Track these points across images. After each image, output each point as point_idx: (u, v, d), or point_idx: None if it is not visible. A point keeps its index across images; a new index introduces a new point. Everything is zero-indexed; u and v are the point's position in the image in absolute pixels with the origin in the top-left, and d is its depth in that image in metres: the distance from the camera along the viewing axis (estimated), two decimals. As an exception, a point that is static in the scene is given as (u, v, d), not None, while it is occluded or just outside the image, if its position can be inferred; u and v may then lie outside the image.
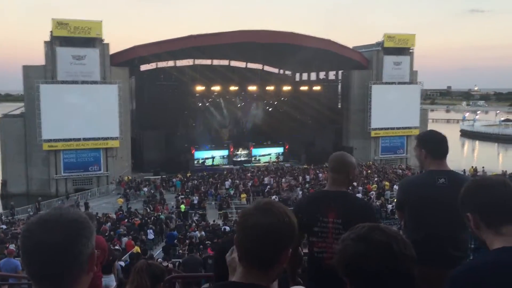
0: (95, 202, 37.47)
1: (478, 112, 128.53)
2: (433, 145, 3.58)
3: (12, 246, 14.90)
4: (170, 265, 12.11)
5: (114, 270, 8.79)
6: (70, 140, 41.18)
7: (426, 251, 3.30)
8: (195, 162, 47.28)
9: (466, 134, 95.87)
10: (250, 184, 38.06)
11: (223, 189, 36.70)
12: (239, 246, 1.68)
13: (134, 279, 3.68)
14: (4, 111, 46.57)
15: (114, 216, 28.74)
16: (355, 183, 36.72)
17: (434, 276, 3.02)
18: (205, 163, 47.93)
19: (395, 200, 3.87)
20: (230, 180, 39.19)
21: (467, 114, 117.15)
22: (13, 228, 25.69)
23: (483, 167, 43.01)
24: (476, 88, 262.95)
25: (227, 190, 36.55)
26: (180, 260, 15.20)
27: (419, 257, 3.43)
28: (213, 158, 48.92)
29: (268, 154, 51.58)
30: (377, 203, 29.93)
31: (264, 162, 50.10)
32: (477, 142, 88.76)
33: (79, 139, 41.49)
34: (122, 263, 11.69)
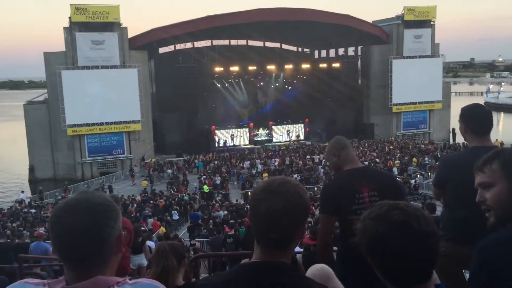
0: (120, 185, 38.10)
1: (503, 83, 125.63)
2: (473, 120, 3.44)
3: (42, 230, 15.34)
4: (198, 244, 12.33)
5: (145, 250, 9.02)
6: (93, 124, 41.80)
7: (470, 231, 3.29)
8: (217, 143, 47.58)
9: (491, 107, 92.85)
10: (273, 163, 38.13)
11: (244, 169, 36.88)
12: (254, 229, 1.72)
13: (159, 262, 3.67)
14: (28, 98, 47.37)
15: (139, 198, 29.24)
16: (377, 160, 36.58)
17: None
18: (227, 143, 48.14)
19: (435, 177, 3.75)
20: (253, 160, 39.40)
21: (491, 86, 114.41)
22: (42, 212, 26.37)
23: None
24: (500, 59, 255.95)
25: (250, 170, 36.70)
26: (206, 239, 15.47)
27: (462, 236, 3.39)
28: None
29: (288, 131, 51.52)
30: (400, 178, 29.74)
31: (285, 141, 50.07)
32: (502, 114, 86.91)
33: (102, 124, 42.07)
34: (152, 243, 11.95)
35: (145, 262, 8.64)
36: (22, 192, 35.37)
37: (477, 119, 3.45)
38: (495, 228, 1.88)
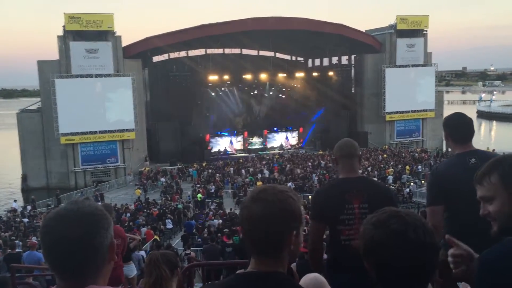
0: (114, 193, 37.91)
1: (495, 92, 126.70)
2: (453, 129, 3.53)
3: (34, 239, 15.24)
4: (193, 254, 12.27)
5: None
6: (86, 133, 41.63)
7: (465, 239, 3.27)
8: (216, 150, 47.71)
9: (483, 115, 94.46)
10: (265, 171, 38.12)
11: (238, 178, 36.81)
12: (244, 238, 1.73)
13: (152, 271, 3.63)
14: (21, 107, 47.16)
15: (132, 207, 29.10)
16: (369, 168, 36.66)
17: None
18: (220, 152, 48.12)
19: (430, 197, 3.56)
20: (246, 168, 39.39)
21: (483, 95, 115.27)
22: (35, 221, 26.19)
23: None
24: (492, 68, 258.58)
25: (244, 178, 36.65)
26: (200, 248, 15.40)
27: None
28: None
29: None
30: (394, 187, 29.82)
31: (278, 150, 50.17)
32: (494, 122, 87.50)
33: (95, 132, 41.89)
34: (143, 253, 11.88)
35: (133, 273, 8.58)
36: (15, 201, 35.11)
37: (457, 128, 3.54)
38: (497, 237, 1.86)
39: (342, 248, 3.36)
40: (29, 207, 32.95)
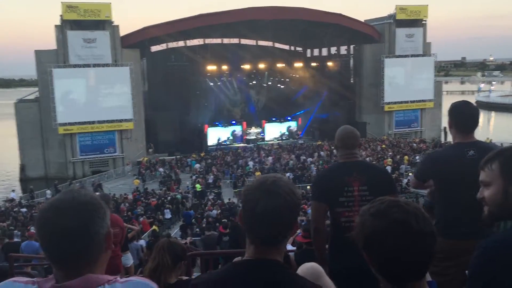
0: (112, 183, 37.94)
1: (494, 82, 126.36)
2: (459, 117, 3.50)
3: (33, 229, 15.26)
4: (189, 239, 12.31)
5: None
6: (85, 123, 41.53)
7: (455, 225, 3.30)
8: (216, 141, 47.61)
9: (482, 105, 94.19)
10: (269, 162, 38.12)
11: (237, 169, 36.81)
12: (248, 228, 1.71)
13: (155, 257, 3.71)
14: (19, 96, 47.00)
15: (131, 196, 29.14)
16: (367, 158, 36.70)
17: (464, 247, 2.94)
18: (220, 142, 48.06)
19: (418, 170, 3.82)
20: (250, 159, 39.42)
21: (482, 85, 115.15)
22: (33, 211, 26.21)
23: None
24: (491, 58, 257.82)
25: (244, 169, 36.64)
26: (198, 238, 15.46)
27: (450, 231, 3.39)
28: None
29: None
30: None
31: (277, 140, 50.14)
32: (493, 113, 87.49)
33: (93, 122, 41.82)
34: (143, 242, 11.91)
35: (130, 262, 8.60)
36: (13, 191, 35.12)
37: (463, 117, 3.50)
38: (487, 222, 1.94)
39: (343, 230, 3.40)
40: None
